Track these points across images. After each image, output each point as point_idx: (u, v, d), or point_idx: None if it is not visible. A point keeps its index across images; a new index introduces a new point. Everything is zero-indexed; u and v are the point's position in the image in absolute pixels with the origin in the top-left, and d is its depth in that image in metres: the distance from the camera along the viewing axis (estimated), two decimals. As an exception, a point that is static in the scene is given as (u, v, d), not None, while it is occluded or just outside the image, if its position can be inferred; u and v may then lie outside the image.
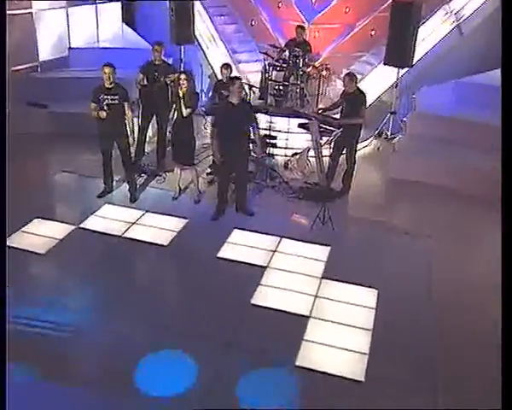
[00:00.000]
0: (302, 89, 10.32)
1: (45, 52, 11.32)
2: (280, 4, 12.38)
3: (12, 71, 10.46)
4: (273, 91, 10.42)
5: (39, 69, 11.20)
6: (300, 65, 10.18)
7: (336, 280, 6.21)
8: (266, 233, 7.12)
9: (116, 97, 7.36)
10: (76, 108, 9.56)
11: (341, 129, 7.46)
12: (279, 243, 6.97)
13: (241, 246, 6.86)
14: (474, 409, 4.46)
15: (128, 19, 13.27)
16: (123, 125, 7.53)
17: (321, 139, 7.75)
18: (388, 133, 10.31)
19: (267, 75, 10.41)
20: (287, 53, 10.67)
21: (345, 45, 12.12)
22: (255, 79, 11.17)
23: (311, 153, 8.06)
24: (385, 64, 9.97)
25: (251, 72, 11.83)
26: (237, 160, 7.24)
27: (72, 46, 11.85)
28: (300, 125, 8.05)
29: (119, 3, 13.04)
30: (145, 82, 8.60)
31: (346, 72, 7.80)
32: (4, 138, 5.65)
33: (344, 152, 8.04)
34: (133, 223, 7.31)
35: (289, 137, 9.80)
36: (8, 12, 10.07)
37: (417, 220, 7.67)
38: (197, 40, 11.94)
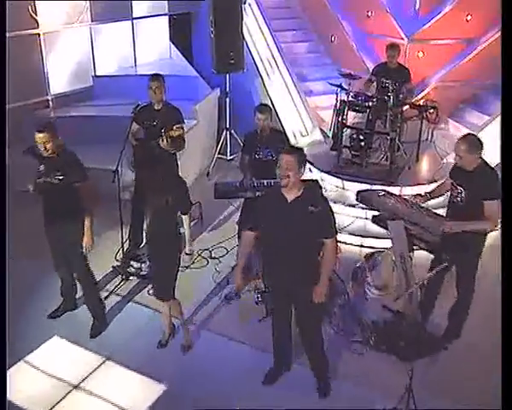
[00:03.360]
0: (393, 139, 6.84)
1: (60, 83, 8.78)
2: (369, 13, 8.92)
3: (12, 108, 8.01)
4: (350, 142, 7.05)
5: (51, 105, 8.65)
6: (391, 103, 6.71)
7: None
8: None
9: (58, 175, 4.46)
10: (90, 158, 6.95)
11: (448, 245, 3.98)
12: None
13: None
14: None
15: (178, 38, 10.46)
16: (75, 221, 4.63)
17: (411, 252, 4.34)
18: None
19: (341, 118, 7.04)
20: (374, 85, 7.27)
21: (463, 70, 8.39)
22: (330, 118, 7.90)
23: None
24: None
25: (326, 108, 8.53)
26: (301, 297, 3.95)
27: (97, 74, 9.23)
28: (375, 220, 4.64)
29: (165, 18, 10.27)
30: (142, 135, 5.69)
31: (462, 135, 4.17)
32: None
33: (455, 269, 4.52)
34: (75, 386, 4.35)
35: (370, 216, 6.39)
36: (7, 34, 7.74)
37: None
38: (255, 63, 8.87)
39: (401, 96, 6.96)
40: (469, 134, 4.18)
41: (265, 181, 5.09)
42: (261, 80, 8.84)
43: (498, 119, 7.39)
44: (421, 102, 7.18)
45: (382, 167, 7.00)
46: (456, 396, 4.19)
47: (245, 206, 5.47)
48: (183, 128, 5.53)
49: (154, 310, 5.05)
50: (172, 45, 10.36)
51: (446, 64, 8.51)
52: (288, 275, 3.81)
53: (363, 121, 7.17)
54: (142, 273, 5.68)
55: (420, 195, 4.61)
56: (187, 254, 4.33)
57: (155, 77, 5.61)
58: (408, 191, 6.62)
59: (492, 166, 4.24)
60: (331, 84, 7.30)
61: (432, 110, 7.10)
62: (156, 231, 4.44)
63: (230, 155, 8.39)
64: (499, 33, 8.20)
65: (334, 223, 3.84)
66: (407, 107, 7.05)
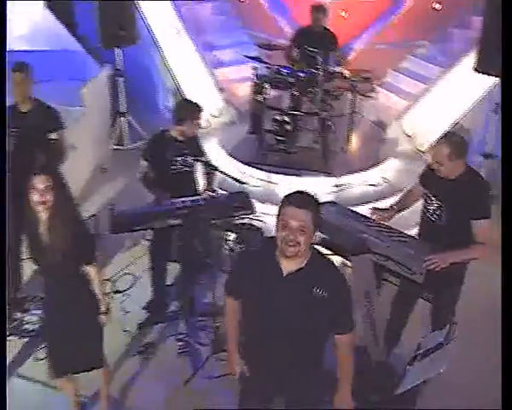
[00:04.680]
0: (324, 119, 5.80)
1: None
2: (284, -34, 7.74)
3: None
4: (273, 125, 5.92)
5: None
6: (321, 77, 5.63)
7: None
8: None
9: None
10: None
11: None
12: None
13: None
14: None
15: (56, 2, 8.71)
16: None
17: (378, 287, 3.35)
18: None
19: (261, 97, 5.87)
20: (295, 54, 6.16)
21: (391, 30, 7.45)
22: (247, 94, 6.71)
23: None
24: (477, 70, 5.34)
25: (240, 81, 7.34)
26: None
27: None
28: (328, 245, 3.58)
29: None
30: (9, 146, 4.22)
31: (441, 135, 3.13)
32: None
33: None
34: None
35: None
36: None
37: None
38: (151, 33, 7.43)
39: (331, 65, 5.92)
40: (451, 133, 3.18)
41: (180, 201, 3.88)
42: (160, 53, 7.43)
43: (436, 86, 6.58)
44: (349, 72, 6.13)
45: (314, 153, 5.98)
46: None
47: (156, 234, 4.23)
48: (60, 135, 4.17)
49: (49, 387, 3.73)
50: (49, 12, 8.67)
51: (372, 24, 7.54)
52: (278, 374, 2.63)
53: (288, 102, 6.06)
54: (26, 329, 4.32)
55: (381, 209, 3.59)
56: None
57: (16, 67, 4.13)
58: (347, 180, 5.69)
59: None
60: (247, 56, 6.07)
61: (364, 83, 6.10)
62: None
63: (129, 144, 7.03)
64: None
65: (350, 311, 2.59)
66: (336, 80, 6.01)
